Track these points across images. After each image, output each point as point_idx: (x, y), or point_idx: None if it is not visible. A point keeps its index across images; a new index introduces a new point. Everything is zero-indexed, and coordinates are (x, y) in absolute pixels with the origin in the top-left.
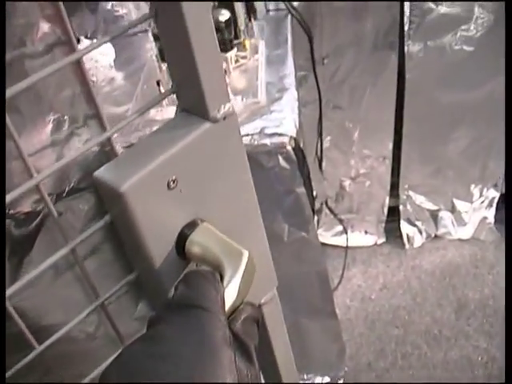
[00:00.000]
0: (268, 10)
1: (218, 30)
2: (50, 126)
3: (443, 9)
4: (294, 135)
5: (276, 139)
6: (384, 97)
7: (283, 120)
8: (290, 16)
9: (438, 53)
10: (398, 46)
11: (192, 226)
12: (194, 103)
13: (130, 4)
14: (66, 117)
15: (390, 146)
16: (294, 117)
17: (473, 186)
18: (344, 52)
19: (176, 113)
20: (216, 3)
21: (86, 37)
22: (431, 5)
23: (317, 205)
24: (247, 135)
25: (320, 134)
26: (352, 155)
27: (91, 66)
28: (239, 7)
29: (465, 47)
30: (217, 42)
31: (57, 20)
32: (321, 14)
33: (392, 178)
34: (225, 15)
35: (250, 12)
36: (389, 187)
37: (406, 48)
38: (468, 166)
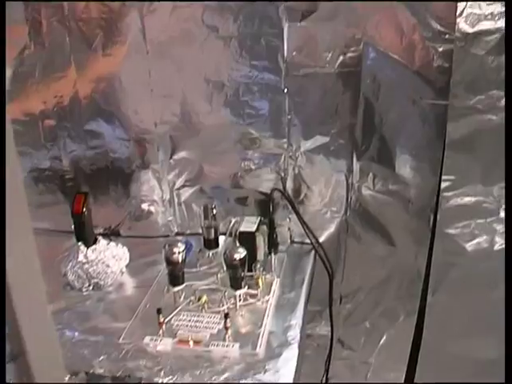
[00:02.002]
0: (293, 241)
1: (231, 267)
2: None
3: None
4: None
5: None
6: (400, 342)
7: None
8: (313, 251)
9: (461, 305)
10: (420, 297)
11: None
12: None
13: (158, 203)
14: None
15: None
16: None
17: None
18: (364, 295)
19: None
20: (238, 236)
21: (109, 229)
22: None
23: None
24: None
25: (326, 372)
26: None
27: (101, 270)
28: (261, 240)
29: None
30: None
31: None
32: (346, 251)
33: None
34: (240, 254)
35: (272, 246)
36: None
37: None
38: None
